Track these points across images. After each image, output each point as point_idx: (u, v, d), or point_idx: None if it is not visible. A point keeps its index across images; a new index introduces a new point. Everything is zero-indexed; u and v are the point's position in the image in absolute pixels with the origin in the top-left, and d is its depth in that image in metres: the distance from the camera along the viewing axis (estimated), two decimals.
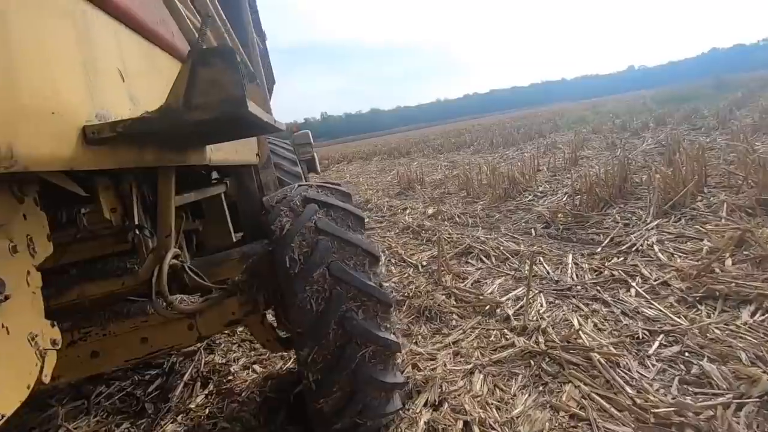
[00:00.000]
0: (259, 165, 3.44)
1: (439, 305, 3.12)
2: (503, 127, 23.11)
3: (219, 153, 2.24)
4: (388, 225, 6.19)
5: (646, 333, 2.33)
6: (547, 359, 2.24)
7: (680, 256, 3.17)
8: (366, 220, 6.42)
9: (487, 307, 2.97)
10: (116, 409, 2.61)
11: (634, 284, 2.88)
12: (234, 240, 3.23)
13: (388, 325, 1.68)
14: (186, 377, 2.77)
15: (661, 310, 2.51)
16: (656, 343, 2.21)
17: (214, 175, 3.33)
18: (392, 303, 1.72)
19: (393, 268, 4.25)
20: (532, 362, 2.26)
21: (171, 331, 1.90)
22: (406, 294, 3.45)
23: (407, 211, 6.72)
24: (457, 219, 5.63)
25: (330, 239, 1.67)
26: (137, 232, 1.83)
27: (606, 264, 3.28)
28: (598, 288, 2.94)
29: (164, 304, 1.80)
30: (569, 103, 64.04)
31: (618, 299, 2.74)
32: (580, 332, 2.37)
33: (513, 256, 3.88)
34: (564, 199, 5.44)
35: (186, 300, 2.00)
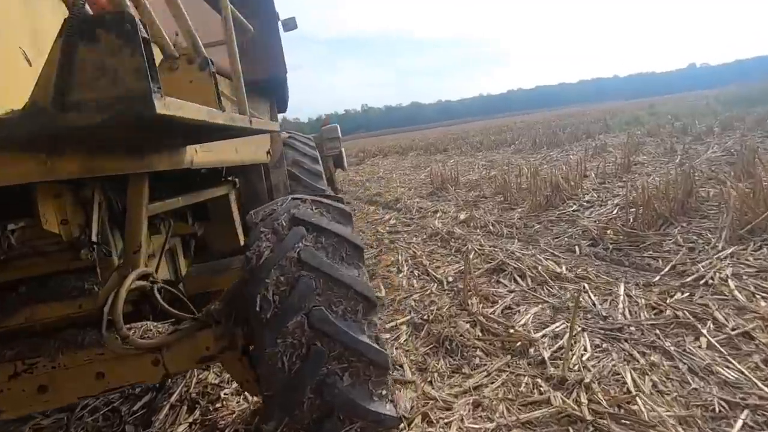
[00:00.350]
0: (270, 164, 3.13)
1: (461, 335, 2.70)
2: (548, 125, 21.97)
3: (208, 154, 1.91)
4: (415, 229, 5.77)
5: (724, 405, 1.82)
6: (592, 429, 1.79)
7: (765, 298, 2.58)
8: (392, 221, 6.03)
9: (519, 343, 2.52)
10: (96, 428, 2.39)
11: (704, 332, 2.34)
12: (243, 243, 2.97)
13: (384, 392, 1.30)
14: (174, 398, 2.51)
15: (743, 373, 1.98)
16: (739, 423, 1.71)
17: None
18: (389, 366, 1.33)
19: (415, 282, 3.84)
20: (572, 431, 1.81)
21: (132, 367, 1.59)
22: (425, 317, 3.05)
23: (438, 215, 6.27)
24: (491, 228, 5.14)
25: (315, 276, 1.30)
26: (93, 248, 1.53)
27: (667, 300, 2.73)
28: (658, 332, 2.42)
29: (118, 337, 1.50)
30: (621, 101, 60.61)
31: (684, 351, 2.22)
32: (637, 397, 1.89)
33: (552, 279, 3.38)
34: (614, 212, 4.82)
35: (153, 329, 1.70)
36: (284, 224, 1.46)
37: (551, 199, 5.65)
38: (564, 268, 3.55)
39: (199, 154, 1.81)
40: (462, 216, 5.88)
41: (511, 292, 3.32)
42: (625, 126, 15.86)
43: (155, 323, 1.70)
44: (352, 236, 1.44)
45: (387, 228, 6.07)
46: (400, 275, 4.04)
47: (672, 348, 2.25)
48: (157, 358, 1.60)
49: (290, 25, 5.15)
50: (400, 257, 4.57)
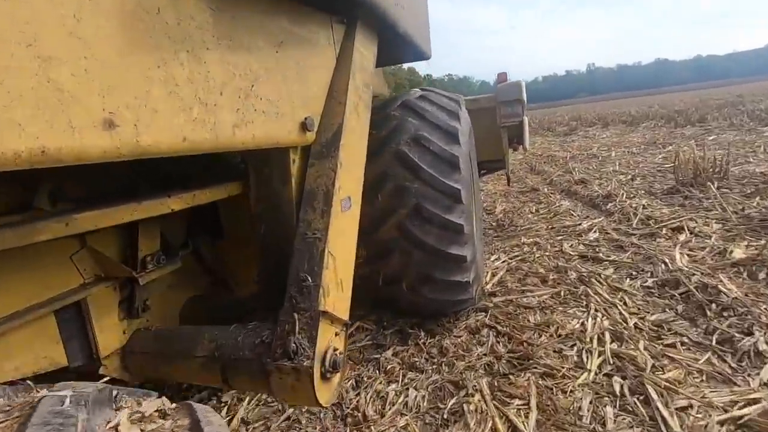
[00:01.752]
0: (313, 147, 1.59)
1: None
2: None
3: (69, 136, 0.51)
4: (632, 260, 3.37)
5: None
6: None
7: None
8: (594, 234, 3.40)
9: None
10: None
11: None
12: (258, 280, 1.73)
13: None
14: None
15: None
16: None
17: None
18: None
19: (609, 414, 1.78)
20: None
21: None
22: None
23: (682, 238, 3.63)
24: None
25: None
26: None
27: None
28: None
29: None
30: None
31: None
32: None
33: None
34: None
35: None
36: None
37: None
38: None
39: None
40: (738, 250, 3.15)
41: None
42: None
43: None
44: None
45: (581, 246, 3.82)
46: (581, 379, 2.02)
47: None
48: None
49: None
50: (588, 324, 2.47)
